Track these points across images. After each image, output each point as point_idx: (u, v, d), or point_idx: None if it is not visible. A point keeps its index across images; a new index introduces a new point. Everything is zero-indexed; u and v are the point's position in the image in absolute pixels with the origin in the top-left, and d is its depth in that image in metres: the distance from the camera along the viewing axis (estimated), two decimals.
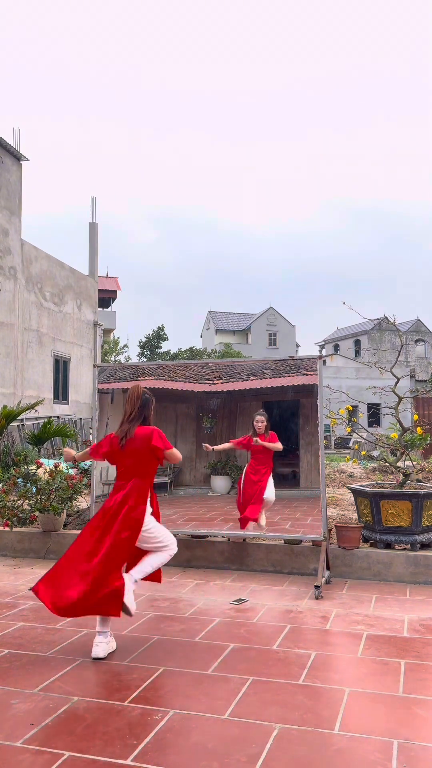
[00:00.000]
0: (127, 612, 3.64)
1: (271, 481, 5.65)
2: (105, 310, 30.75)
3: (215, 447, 5.84)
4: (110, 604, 3.57)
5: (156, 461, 3.87)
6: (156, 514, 3.95)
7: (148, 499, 3.84)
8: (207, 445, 5.83)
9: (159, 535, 3.85)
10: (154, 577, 3.97)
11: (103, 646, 3.62)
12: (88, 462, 9.71)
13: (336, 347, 60.39)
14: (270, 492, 5.64)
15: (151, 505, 3.88)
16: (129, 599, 3.62)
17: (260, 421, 5.61)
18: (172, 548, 3.90)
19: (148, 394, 3.96)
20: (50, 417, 13.76)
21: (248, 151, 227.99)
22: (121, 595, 3.57)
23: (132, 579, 3.70)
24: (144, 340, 48.59)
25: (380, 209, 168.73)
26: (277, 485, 5.67)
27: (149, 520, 3.80)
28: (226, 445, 5.83)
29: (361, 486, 5.87)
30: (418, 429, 5.97)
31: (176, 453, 3.89)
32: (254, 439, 5.60)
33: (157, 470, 3.97)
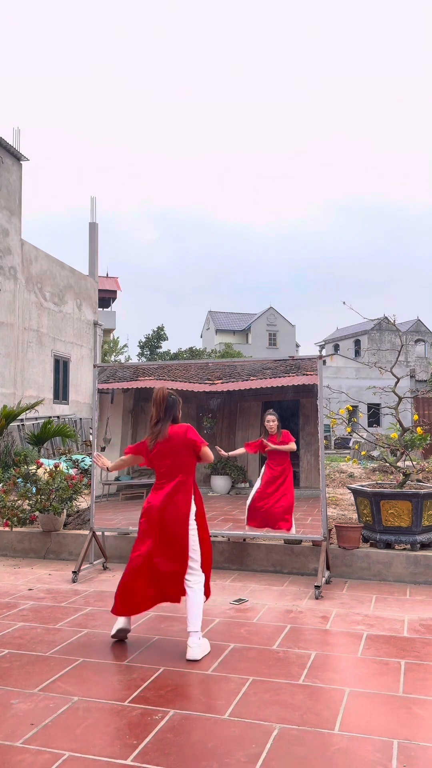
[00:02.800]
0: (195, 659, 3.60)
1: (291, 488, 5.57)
2: (105, 310, 30.72)
3: (230, 453, 5.75)
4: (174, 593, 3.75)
5: (194, 457, 3.86)
6: (201, 513, 3.90)
7: (193, 497, 3.84)
8: (221, 450, 5.75)
9: (194, 547, 3.79)
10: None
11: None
12: (88, 461, 9.72)
13: (336, 347, 60.35)
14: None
15: (196, 503, 3.86)
16: (197, 653, 3.59)
17: (271, 420, 5.54)
18: (201, 575, 3.80)
19: (175, 395, 3.94)
20: (50, 417, 13.76)
21: (248, 150, 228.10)
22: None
23: (197, 635, 3.64)
24: (144, 340, 48.53)
25: (381, 208, 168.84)
26: None
27: (193, 523, 3.81)
28: (240, 451, 5.73)
29: (361, 486, 5.87)
30: (418, 429, 5.97)
31: (209, 452, 3.86)
32: (267, 444, 5.54)
33: (196, 467, 3.95)
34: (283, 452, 5.59)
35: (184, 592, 3.75)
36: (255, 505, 5.63)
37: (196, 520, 3.82)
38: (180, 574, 3.73)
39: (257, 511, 5.62)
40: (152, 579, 3.75)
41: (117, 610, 3.80)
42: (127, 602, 3.77)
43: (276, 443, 5.56)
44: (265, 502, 5.59)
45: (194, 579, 3.76)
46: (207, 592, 3.90)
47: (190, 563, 3.77)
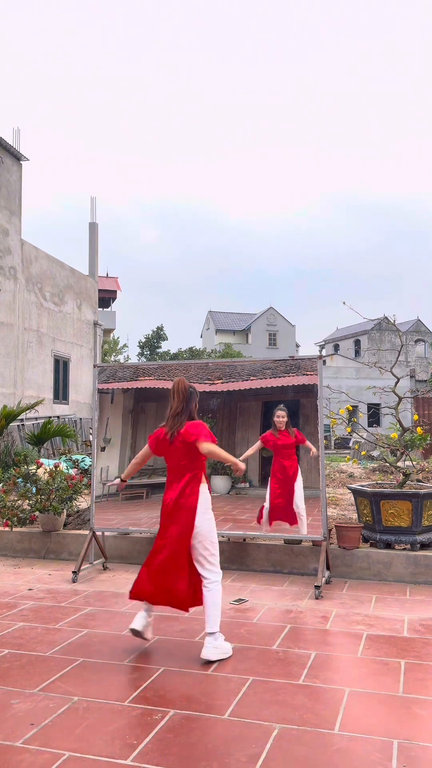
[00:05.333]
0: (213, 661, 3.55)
1: (299, 483, 5.48)
2: (105, 310, 30.69)
3: (243, 457, 5.63)
4: (175, 603, 3.70)
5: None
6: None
7: (204, 489, 3.79)
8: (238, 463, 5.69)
9: (211, 540, 3.71)
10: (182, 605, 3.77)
11: (140, 620, 3.70)
12: (88, 461, 9.72)
13: (336, 347, 60.35)
14: (299, 497, 5.47)
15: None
16: (211, 653, 3.54)
17: (281, 416, 5.46)
18: (217, 574, 3.70)
19: (193, 388, 3.92)
20: (50, 417, 13.76)
21: (249, 149, 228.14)
22: (182, 594, 3.67)
23: (212, 637, 3.58)
24: (144, 340, 48.57)
25: (382, 207, 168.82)
26: None
27: (203, 517, 3.71)
28: (254, 448, 5.64)
29: (361, 486, 5.87)
30: (418, 429, 5.97)
31: (215, 450, 3.74)
32: (310, 447, 5.45)
33: (206, 462, 3.91)
34: (292, 446, 5.54)
35: (191, 602, 3.69)
36: (274, 503, 5.56)
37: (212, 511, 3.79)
38: (185, 582, 3.65)
39: (277, 509, 5.55)
40: (153, 575, 3.70)
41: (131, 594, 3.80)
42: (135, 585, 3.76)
43: (289, 440, 5.50)
44: (282, 498, 5.53)
45: (211, 577, 3.67)
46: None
47: (207, 558, 3.68)
